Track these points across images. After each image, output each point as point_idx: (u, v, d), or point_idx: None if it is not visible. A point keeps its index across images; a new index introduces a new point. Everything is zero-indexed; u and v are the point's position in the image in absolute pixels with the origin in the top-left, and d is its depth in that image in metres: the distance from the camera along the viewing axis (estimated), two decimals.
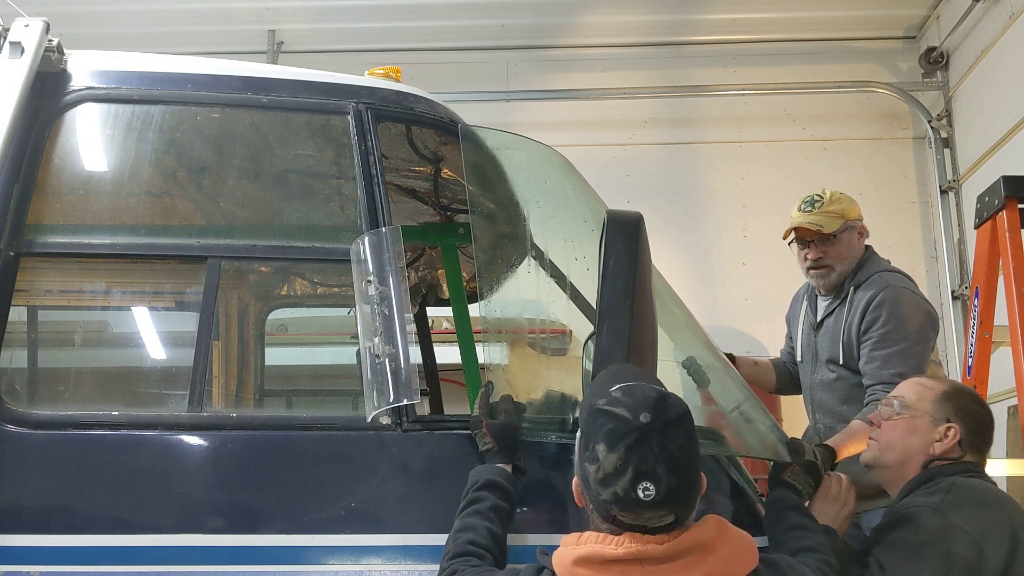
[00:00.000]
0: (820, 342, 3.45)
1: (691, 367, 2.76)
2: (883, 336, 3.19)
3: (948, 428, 2.40)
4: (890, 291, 3.24)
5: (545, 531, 2.21)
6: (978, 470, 2.43)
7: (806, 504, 2.32)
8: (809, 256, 3.41)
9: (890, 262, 3.49)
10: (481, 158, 2.60)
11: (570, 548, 1.77)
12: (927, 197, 6.85)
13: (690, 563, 1.71)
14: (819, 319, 3.48)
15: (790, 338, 3.76)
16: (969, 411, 2.44)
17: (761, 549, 1.92)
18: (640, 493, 1.66)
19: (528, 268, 2.69)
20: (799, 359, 3.61)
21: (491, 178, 2.63)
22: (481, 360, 2.47)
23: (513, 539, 2.13)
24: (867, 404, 3.14)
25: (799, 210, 3.43)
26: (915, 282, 3.40)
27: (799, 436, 2.63)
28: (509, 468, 2.16)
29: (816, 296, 3.55)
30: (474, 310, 3.31)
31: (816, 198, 3.42)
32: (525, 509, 2.21)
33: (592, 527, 1.79)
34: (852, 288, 3.35)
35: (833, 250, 3.37)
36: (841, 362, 3.34)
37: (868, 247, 3.49)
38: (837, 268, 3.38)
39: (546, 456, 2.27)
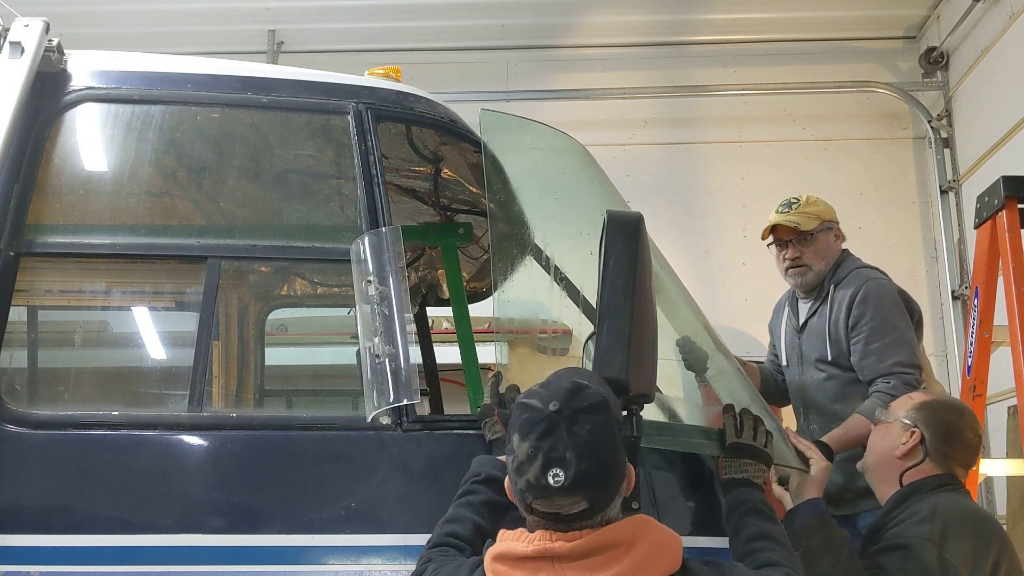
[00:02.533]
0: (805, 343, 3.49)
1: (685, 346, 2.76)
2: (873, 329, 3.24)
3: (912, 432, 2.48)
4: (872, 284, 3.31)
5: None
6: (953, 483, 2.49)
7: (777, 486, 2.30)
8: (787, 256, 3.47)
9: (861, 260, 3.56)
10: (500, 145, 2.60)
11: (496, 543, 1.78)
12: (927, 197, 6.85)
13: (601, 562, 1.67)
14: (802, 321, 3.53)
15: (773, 346, 3.79)
16: (940, 420, 2.51)
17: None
18: (550, 479, 1.65)
19: (543, 261, 2.69)
20: (784, 363, 3.64)
21: (510, 166, 2.63)
22: (494, 353, 2.47)
23: None
24: (875, 393, 3.17)
25: (776, 212, 3.49)
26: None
27: None
28: None
29: (797, 300, 3.60)
30: (474, 310, 3.32)
31: (793, 200, 3.49)
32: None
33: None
34: (832, 287, 3.41)
35: (810, 250, 3.43)
36: (830, 359, 3.37)
37: (844, 249, 3.55)
38: (814, 267, 3.43)
39: None
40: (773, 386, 3.76)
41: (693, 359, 2.76)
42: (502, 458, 2.14)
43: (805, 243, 3.42)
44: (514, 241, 2.68)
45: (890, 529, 2.44)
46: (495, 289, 2.58)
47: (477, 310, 3.55)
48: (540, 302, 2.71)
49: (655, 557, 1.71)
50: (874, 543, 2.45)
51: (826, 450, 2.99)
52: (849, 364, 3.33)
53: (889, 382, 3.14)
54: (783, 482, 2.47)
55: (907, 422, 2.51)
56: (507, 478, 1.80)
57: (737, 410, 2.25)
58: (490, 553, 1.77)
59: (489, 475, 2.10)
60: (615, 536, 1.69)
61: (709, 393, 2.70)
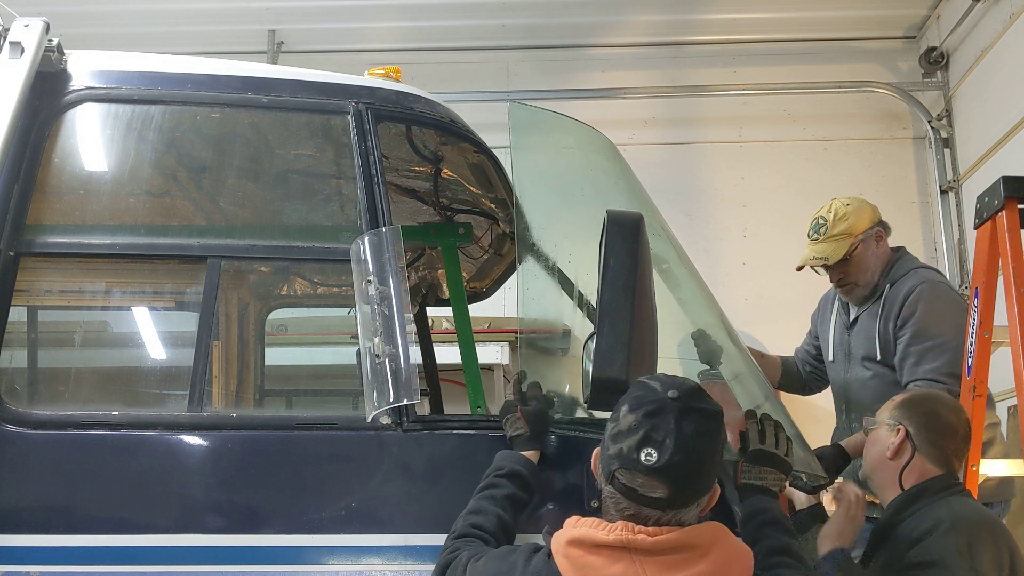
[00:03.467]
0: (854, 340, 3.44)
1: (699, 338, 2.75)
2: (918, 331, 3.19)
3: (897, 429, 2.52)
4: (927, 286, 3.25)
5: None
6: (957, 484, 2.51)
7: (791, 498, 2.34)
8: (831, 279, 3.43)
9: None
10: (527, 140, 2.60)
11: (567, 530, 1.80)
12: (927, 197, 6.84)
13: (679, 561, 1.70)
14: (853, 317, 3.47)
15: (815, 338, 3.73)
16: (919, 411, 2.55)
17: None
18: (642, 456, 1.69)
19: (569, 259, 2.68)
20: (830, 358, 3.57)
21: (537, 161, 2.63)
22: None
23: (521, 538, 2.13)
24: None
25: (808, 237, 3.42)
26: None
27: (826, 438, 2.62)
28: (536, 456, 2.17)
29: None
30: (474, 310, 3.31)
31: (821, 222, 3.38)
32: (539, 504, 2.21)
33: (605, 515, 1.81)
34: (888, 285, 3.34)
35: (851, 269, 3.37)
36: (879, 358, 3.32)
37: (899, 247, 3.47)
38: (860, 282, 3.38)
39: (561, 453, 2.27)
40: (796, 377, 3.71)
41: (706, 350, 2.74)
42: (525, 454, 2.16)
43: (844, 264, 3.36)
44: (540, 238, 2.67)
45: (900, 529, 2.43)
46: (520, 285, 2.57)
47: (477, 310, 3.54)
48: (564, 302, 2.71)
49: (730, 566, 1.75)
50: (883, 546, 2.45)
51: (842, 454, 2.99)
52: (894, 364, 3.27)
53: (924, 388, 3.06)
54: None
55: (890, 422, 2.55)
56: (596, 449, 1.83)
57: (759, 415, 2.25)
58: (563, 537, 1.78)
59: (512, 470, 2.12)
60: (694, 538, 1.73)
61: (712, 390, 2.69)
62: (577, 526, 1.79)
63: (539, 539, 1.98)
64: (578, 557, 1.73)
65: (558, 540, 1.79)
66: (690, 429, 1.71)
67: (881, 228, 3.43)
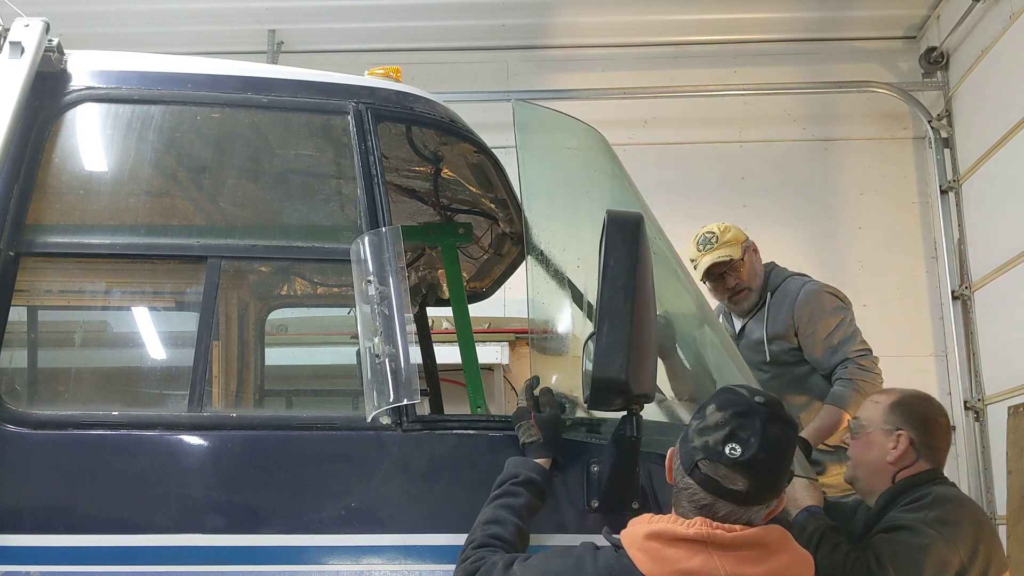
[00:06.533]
0: (744, 350, 3.71)
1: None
2: (820, 327, 3.59)
3: (898, 436, 2.56)
4: (808, 287, 3.69)
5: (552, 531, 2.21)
6: (940, 477, 2.58)
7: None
8: (728, 286, 3.77)
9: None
10: (534, 138, 2.61)
11: (642, 525, 1.85)
12: (927, 197, 6.84)
13: (753, 557, 1.78)
14: (739, 328, 3.84)
15: None
16: (917, 415, 2.59)
17: None
18: (727, 450, 1.78)
19: (578, 263, 2.68)
20: None
21: (543, 161, 2.63)
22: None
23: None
24: (837, 380, 3.52)
25: (699, 251, 3.77)
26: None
27: None
28: (548, 463, 2.18)
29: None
30: (474, 310, 3.31)
31: (709, 235, 3.79)
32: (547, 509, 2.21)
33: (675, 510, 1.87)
34: (769, 294, 3.74)
35: (745, 272, 3.76)
36: (768, 360, 3.68)
37: (770, 262, 3.88)
38: (753, 286, 3.78)
39: (573, 459, 2.27)
40: None
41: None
42: (539, 461, 2.16)
43: (739, 269, 3.74)
44: (547, 239, 2.67)
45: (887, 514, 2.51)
46: (529, 287, 2.57)
47: (477, 310, 3.54)
48: (574, 304, 2.70)
49: (796, 566, 1.84)
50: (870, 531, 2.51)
51: (804, 445, 3.11)
52: (789, 360, 3.68)
53: (847, 367, 3.51)
54: None
55: (887, 427, 2.57)
56: (671, 449, 1.90)
57: None
58: (639, 531, 1.83)
59: (527, 477, 2.12)
60: (766, 537, 1.81)
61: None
62: (652, 522, 1.84)
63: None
64: (656, 550, 1.78)
65: (632, 535, 1.83)
66: (774, 433, 1.80)
67: (754, 242, 3.84)
